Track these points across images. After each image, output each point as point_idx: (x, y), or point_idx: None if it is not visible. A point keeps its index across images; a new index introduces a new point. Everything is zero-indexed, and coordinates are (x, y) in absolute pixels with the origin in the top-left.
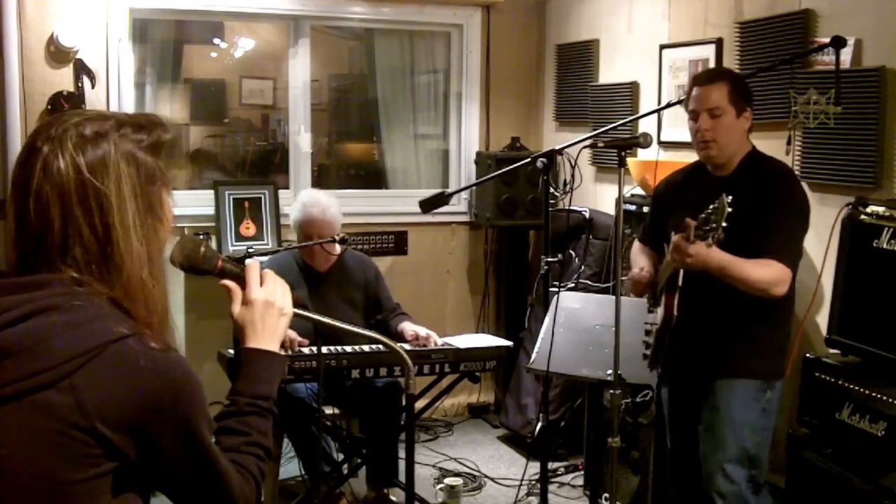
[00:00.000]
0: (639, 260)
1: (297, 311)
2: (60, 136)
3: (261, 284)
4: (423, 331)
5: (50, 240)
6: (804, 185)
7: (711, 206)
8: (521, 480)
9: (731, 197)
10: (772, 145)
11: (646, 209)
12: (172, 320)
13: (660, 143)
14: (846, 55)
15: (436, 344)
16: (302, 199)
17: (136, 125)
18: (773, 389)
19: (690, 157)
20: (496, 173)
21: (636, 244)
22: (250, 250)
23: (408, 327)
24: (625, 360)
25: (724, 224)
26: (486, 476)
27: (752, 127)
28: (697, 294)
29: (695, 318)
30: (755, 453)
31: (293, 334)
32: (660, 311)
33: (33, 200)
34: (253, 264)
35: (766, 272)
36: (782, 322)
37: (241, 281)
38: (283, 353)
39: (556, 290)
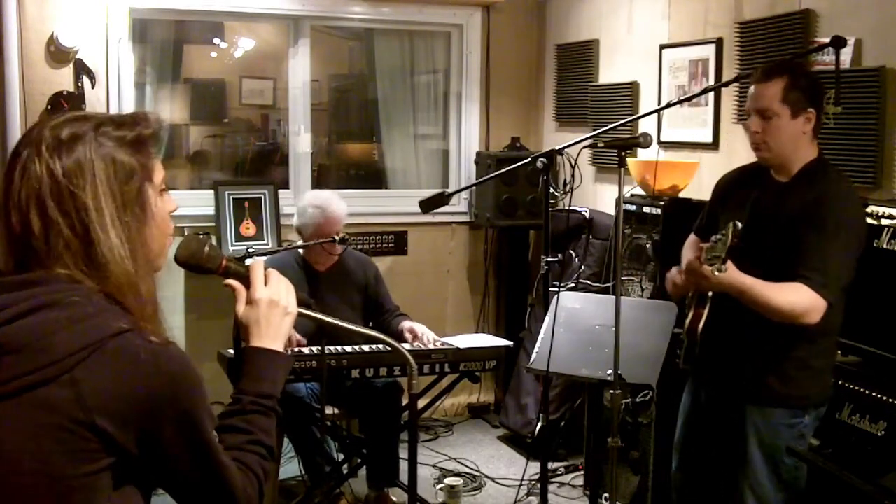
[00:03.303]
0: (687, 257)
1: (301, 310)
2: (37, 141)
3: (265, 284)
4: (418, 328)
5: (34, 242)
6: None
7: (720, 234)
8: (521, 480)
9: (741, 224)
10: None
11: (646, 209)
12: (164, 316)
13: (660, 143)
14: (846, 55)
15: (435, 343)
16: (312, 201)
17: (118, 123)
18: (810, 415)
19: (690, 157)
20: (496, 173)
21: (690, 237)
22: (250, 250)
23: (405, 325)
24: (625, 360)
25: (724, 256)
26: (486, 476)
27: (817, 128)
28: (730, 309)
29: (727, 336)
30: (790, 478)
31: (294, 334)
32: (687, 321)
33: (13, 204)
34: (257, 263)
35: (793, 299)
36: (825, 341)
37: (245, 280)
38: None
39: (556, 290)
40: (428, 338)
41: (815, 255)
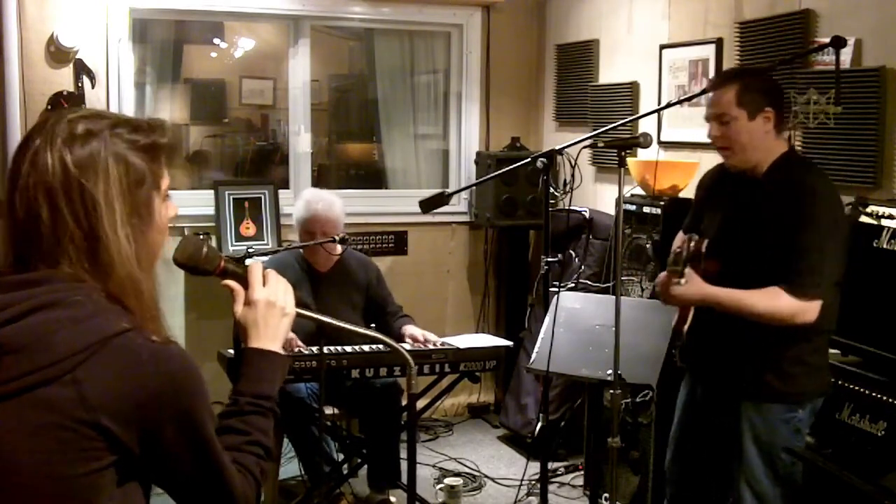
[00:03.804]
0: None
1: (299, 311)
2: (51, 131)
3: (263, 284)
4: (419, 334)
5: (41, 233)
6: None
7: (677, 248)
8: (521, 480)
9: (701, 238)
10: None
11: (646, 209)
12: (164, 317)
13: (660, 143)
14: (846, 55)
15: (435, 344)
16: (306, 196)
17: (134, 127)
18: (805, 409)
19: (690, 157)
20: (496, 173)
21: (678, 235)
22: (250, 250)
23: (407, 330)
24: (625, 360)
25: (682, 269)
26: (486, 476)
27: (780, 125)
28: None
29: (722, 333)
30: (786, 473)
31: (292, 336)
32: (673, 322)
33: (20, 193)
34: (255, 264)
35: (773, 304)
36: (821, 338)
37: (244, 281)
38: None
39: (556, 290)
40: (430, 340)
41: (802, 254)
